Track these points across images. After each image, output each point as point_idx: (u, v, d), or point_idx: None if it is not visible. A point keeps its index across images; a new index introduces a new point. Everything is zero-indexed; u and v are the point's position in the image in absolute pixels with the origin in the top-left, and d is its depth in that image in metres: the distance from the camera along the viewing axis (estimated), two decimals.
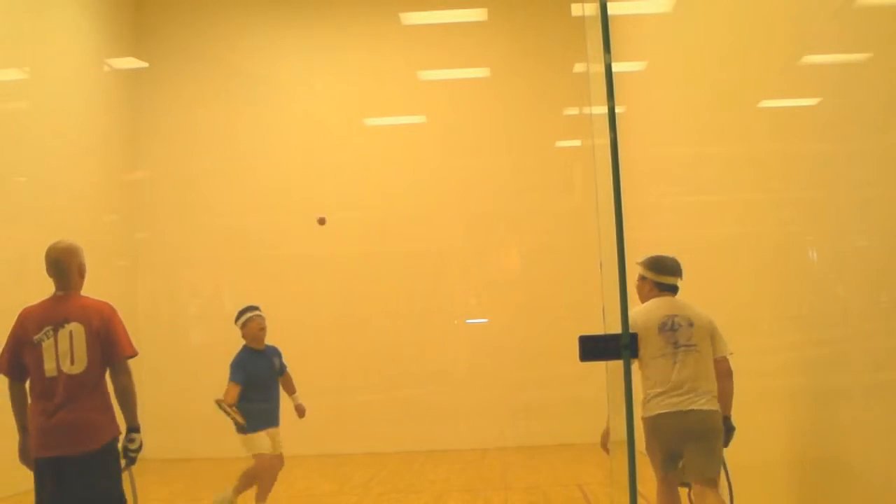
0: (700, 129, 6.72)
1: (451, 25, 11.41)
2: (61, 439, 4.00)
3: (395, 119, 11.68)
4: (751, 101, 5.33)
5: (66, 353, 4.05)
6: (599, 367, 3.25)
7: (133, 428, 4.24)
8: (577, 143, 10.93)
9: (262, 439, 6.42)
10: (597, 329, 3.09)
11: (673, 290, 4.76)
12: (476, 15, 11.46)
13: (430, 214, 11.19)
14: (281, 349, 7.07)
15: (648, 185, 8.15)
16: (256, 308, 6.81)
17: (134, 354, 4.25)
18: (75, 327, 4.09)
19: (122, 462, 4.23)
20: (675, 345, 4.51)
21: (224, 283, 11.60)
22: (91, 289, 4.34)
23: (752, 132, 5.38)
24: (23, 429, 4.18)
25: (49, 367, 4.04)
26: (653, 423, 4.52)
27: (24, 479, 4.26)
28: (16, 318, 4.26)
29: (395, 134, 11.59)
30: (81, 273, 4.32)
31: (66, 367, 4.04)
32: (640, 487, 3.10)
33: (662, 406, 4.46)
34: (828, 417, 4.36)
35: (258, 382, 6.48)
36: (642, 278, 4.81)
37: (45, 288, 4.34)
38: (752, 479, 5.62)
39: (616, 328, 2.88)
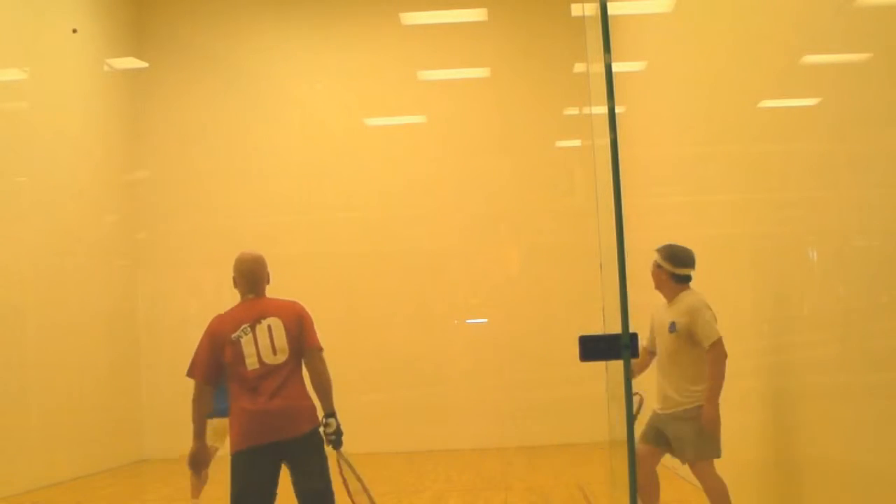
0: (700, 129, 6.71)
1: (451, 25, 11.40)
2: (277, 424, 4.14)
3: (395, 119, 11.67)
4: (751, 101, 5.33)
5: (266, 346, 4.16)
6: (599, 366, 3.25)
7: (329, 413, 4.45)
8: (577, 143, 10.93)
9: None
10: (597, 329, 3.08)
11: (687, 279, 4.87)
12: (476, 15, 11.46)
13: (430, 214, 11.18)
14: None
15: (648, 185, 8.14)
16: None
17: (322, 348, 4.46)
18: (273, 321, 4.25)
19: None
20: None
21: (225, 284, 11.56)
22: (91, 288, 4.34)
23: (753, 132, 5.38)
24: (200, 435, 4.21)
25: (250, 360, 4.10)
26: None
27: (24, 479, 4.24)
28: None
29: (395, 134, 11.59)
30: (268, 280, 4.58)
31: (269, 359, 4.14)
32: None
33: None
34: (828, 417, 4.36)
35: None
36: (658, 266, 4.88)
37: (44, 288, 4.33)
38: (751, 479, 5.62)
39: (616, 328, 2.87)
